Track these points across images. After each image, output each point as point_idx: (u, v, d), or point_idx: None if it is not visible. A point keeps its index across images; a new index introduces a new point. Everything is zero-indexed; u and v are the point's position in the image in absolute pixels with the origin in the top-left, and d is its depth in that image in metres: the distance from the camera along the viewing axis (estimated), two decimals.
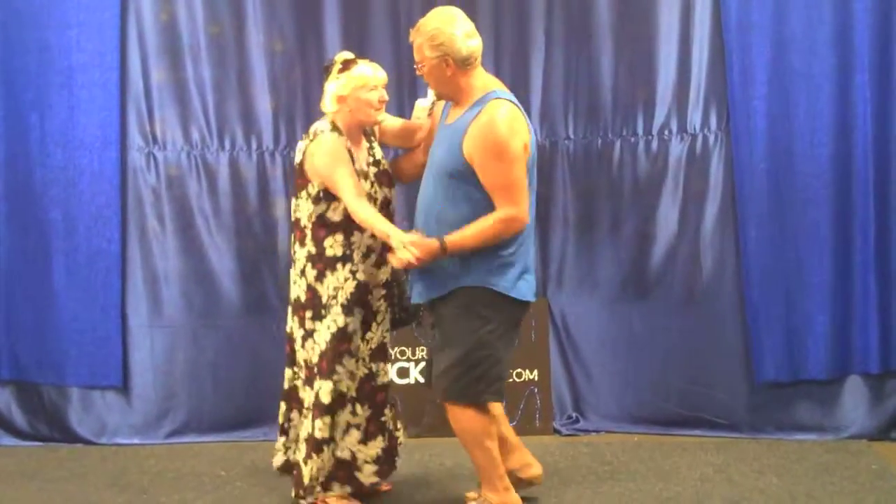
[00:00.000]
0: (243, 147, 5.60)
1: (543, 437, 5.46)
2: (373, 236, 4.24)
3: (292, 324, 4.39)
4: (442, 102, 4.31)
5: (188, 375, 5.58)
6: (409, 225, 4.46)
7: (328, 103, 4.29)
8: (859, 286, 5.32)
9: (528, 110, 5.53)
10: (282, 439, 4.52)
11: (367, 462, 4.36)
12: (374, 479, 4.39)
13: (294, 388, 4.45)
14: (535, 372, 5.58)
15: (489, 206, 4.01)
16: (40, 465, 5.16)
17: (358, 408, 4.34)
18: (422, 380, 5.43)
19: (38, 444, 5.49)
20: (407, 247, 3.93)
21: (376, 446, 4.39)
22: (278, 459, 4.53)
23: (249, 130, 5.60)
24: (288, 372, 4.47)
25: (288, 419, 4.49)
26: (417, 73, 4.17)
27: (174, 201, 5.58)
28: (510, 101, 4.07)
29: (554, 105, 5.62)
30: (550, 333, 5.65)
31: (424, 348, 5.45)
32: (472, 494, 4.37)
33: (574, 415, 5.64)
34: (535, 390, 5.57)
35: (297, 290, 4.32)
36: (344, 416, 4.31)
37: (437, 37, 4.02)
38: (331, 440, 4.29)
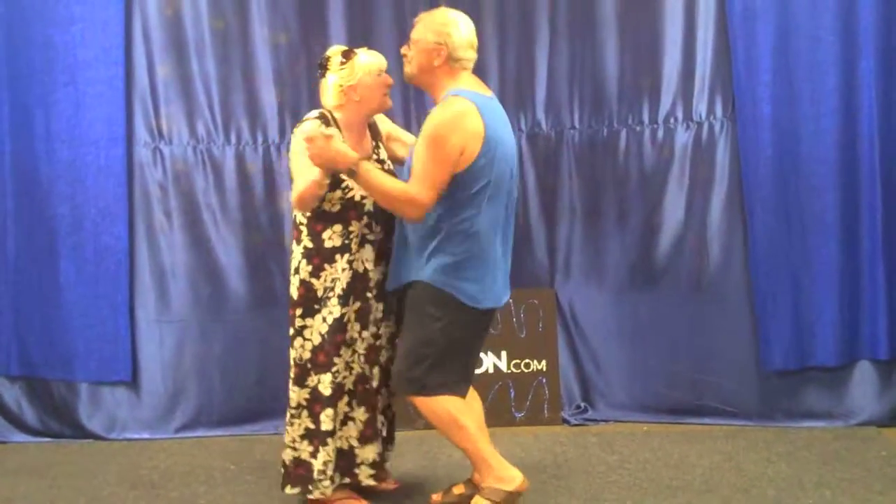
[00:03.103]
0: (249, 141, 5.61)
1: (552, 428, 5.47)
2: (367, 226, 4.22)
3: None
4: None
5: (197, 370, 5.60)
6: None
7: (331, 97, 4.26)
8: (867, 272, 5.31)
9: (533, 101, 5.58)
10: None
11: (364, 464, 4.35)
12: (371, 483, 4.38)
13: None
14: (544, 362, 5.58)
15: (450, 207, 4.01)
16: (50, 462, 5.18)
17: (354, 404, 4.32)
18: None
19: (48, 440, 5.52)
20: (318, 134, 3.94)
21: (373, 451, 4.36)
22: None
23: (255, 124, 5.61)
24: None
25: None
26: (402, 50, 4.17)
27: (181, 196, 5.59)
28: (471, 101, 4.02)
29: (559, 95, 5.62)
30: (558, 323, 5.65)
31: None
32: (458, 488, 4.40)
33: (582, 405, 5.65)
34: (544, 380, 5.57)
35: (292, 287, 4.27)
36: (341, 406, 4.30)
37: (445, 25, 4.07)
38: (334, 431, 4.27)
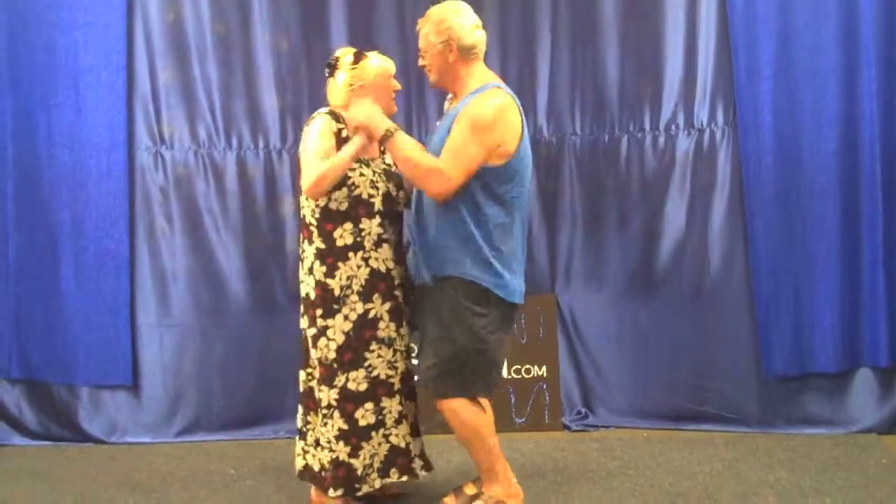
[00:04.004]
0: (250, 146, 5.61)
1: (553, 433, 5.47)
2: (381, 225, 4.21)
3: (304, 323, 4.34)
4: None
5: (197, 374, 5.60)
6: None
7: (340, 96, 4.26)
8: (867, 279, 5.31)
9: (534, 107, 5.58)
10: (301, 444, 4.45)
11: (417, 456, 4.42)
12: (424, 473, 4.45)
13: (309, 390, 4.37)
14: (544, 368, 5.58)
15: (479, 197, 4.02)
16: (51, 465, 5.18)
17: (404, 400, 4.35)
18: None
19: (48, 443, 5.52)
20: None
21: (419, 443, 4.45)
22: (298, 463, 4.48)
23: (256, 129, 5.62)
24: (302, 374, 4.40)
25: (305, 422, 4.42)
26: (420, 63, 4.20)
27: (182, 200, 5.60)
28: (510, 94, 4.09)
29: (560, 101, 5.62)
30: (559, 329, 5.65)
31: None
32: (469, 488, 4.39)
33: (583, 410, 5.65)
34: (544, 386, 5.57)
35: (306, 287, 4.27)
36: (393, 404, 4.31)
37: (443, 22, 4.07)
38: (380, 425, 4.28)
